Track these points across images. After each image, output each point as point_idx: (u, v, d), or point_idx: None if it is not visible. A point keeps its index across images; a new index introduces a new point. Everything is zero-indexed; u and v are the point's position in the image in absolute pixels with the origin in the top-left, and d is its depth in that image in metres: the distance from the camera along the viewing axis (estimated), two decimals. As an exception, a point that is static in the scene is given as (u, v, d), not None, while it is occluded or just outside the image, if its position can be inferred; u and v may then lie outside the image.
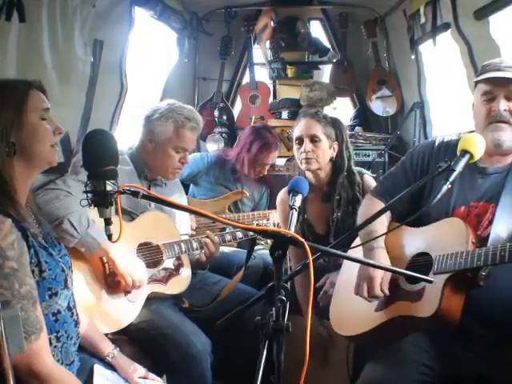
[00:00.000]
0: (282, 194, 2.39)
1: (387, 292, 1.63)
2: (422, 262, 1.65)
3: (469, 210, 1.64)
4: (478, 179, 1.67)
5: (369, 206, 1.88)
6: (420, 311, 1.53)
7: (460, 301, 1.51)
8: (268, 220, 2.87)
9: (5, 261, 1.19)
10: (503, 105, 1.57)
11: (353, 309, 1.80)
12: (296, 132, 2.29)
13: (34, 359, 1.22)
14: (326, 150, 2.25)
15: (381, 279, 1.63)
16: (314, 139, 2.23)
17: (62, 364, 1.37)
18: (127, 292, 1.90)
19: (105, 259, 1.87)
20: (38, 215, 1.43)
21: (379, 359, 1.64)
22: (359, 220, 1.90)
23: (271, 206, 3.19)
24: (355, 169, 2.35)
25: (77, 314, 1.46)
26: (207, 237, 2.21)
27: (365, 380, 1.61)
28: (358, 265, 1.72)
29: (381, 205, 1.82)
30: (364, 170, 2.41)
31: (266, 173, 3.14)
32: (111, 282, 1.89)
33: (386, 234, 1.55)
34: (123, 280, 1.86)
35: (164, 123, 2.14)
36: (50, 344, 1.32)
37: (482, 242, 1.54)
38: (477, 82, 1.67)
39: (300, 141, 2.26)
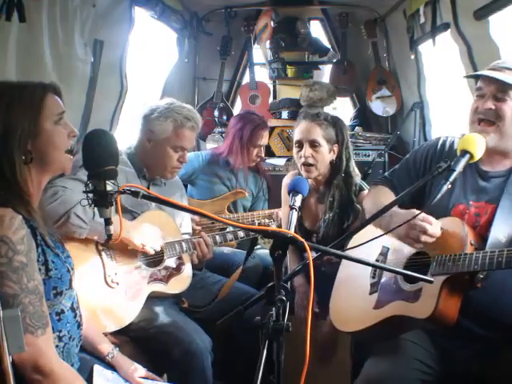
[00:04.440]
0: (288, 178, 2.42)
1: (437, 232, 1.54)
2: (420, 261, 1.65)
3: (468, 208, 1.65)
4: (479, 181, 1.67)
5: (376, 192, 1.88)
6: (417, 312, 1.54)
7: (457, 302, 1.51)
8: (270, 220, 2.85)
9: (15, 254, 1.20)
10: (489, 103, 1.58)
11: (352, 305, 1.81)
12: (296, 135, 2.28)
13: (40, 354, 1.22)
14: (326, 155, 2.24)
15: (423, 221, 1.53)
16: (313, 144, 2.22)
17: None
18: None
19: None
20: (45, 217, 1.44)
21: (380, 357, 1.64)
22: (368, 204, 1.89)
23: (270, 201, 3.18)
24: (358, 181, 2.32)
25: (80, 316, 1.46)
26: (200, 237, 2.21)
27: (366, 377, 1.61)
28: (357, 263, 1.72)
29: (388, 191, 1.83)
30: (364, 185, 2.33)
31: (262, 154, 3.10)
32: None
33: (386, 233, 1.54)
34: (144, 251, 1.97)
35: (163, 122, 2.14)
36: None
37: (481, 242, 1.55)
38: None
39: (300, 144, 2.26)
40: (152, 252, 2.00)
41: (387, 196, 1.79)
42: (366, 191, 2.28)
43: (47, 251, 1.32)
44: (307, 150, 2.21)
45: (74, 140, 1.40)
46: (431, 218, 1.53)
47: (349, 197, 2.27)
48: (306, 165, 2.23)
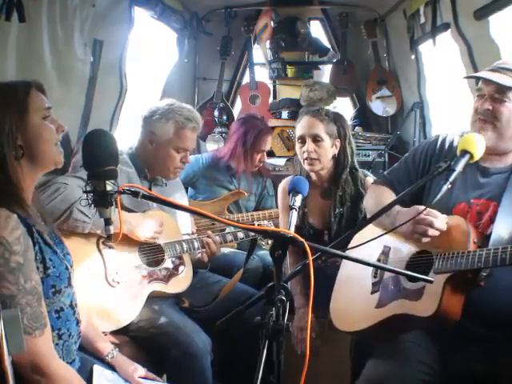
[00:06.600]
0: (284, 184, 2.41)
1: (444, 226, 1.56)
2: (422, 259, 1.65)
3: (469, 206, 1.65)
4: (480, 178, 1.67)
5: (377, 191, 1.89)
6: (420, 310, 1.53)
7: (460, 300, 1.51)
8: (269, 221, 2.85)
9: (11, 255, 1.20)
10: (487, 104, 1.60)
11: (353, 305, 1.81)
12: (298, 130, 2.29)
13: (38, 355, 1.22)
14: (328, 149, 2.26)
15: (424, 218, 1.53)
16: (316, 139, 2.24)
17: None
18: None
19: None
20: (43, 214, 1.44)
21: (381, 357, 1.64)
22: (370, 204, 1.91)
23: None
24: (360, 170, 2.36)
25: (78, 313, 1.46)
26: (208, 236, 2.23)
27: (367, 378, 1.61)
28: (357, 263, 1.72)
29: (388, 190, 1.84)
30: (367, 172, 2.42)
31: (265, 159, 3.09)
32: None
33: (386, 233, 1.54)
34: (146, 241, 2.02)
35: (164, 124, 2.15)
36: (52, 341, 1.32)
37: (484, 240, 1.54)
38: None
39: (302, 140, 2.27)
40: (153, 241, 2.02)
41: (387, 195, 1.79)
42: (369, 177, 2.33)
43: (45, 249, 1.31)
44: (310, 145, 2.23)
45: (62, 135, 1.40)
46: (436, 212, 1.54)
47: (358, 191, 2.30)
48: (309, 159, 2.24)
